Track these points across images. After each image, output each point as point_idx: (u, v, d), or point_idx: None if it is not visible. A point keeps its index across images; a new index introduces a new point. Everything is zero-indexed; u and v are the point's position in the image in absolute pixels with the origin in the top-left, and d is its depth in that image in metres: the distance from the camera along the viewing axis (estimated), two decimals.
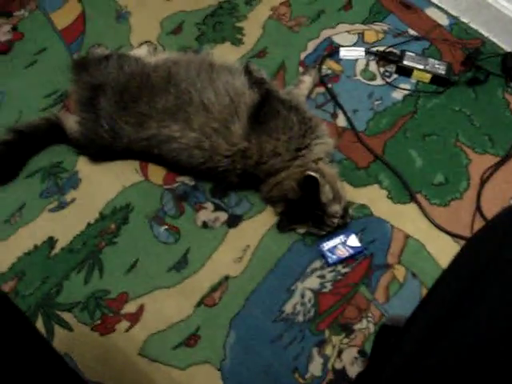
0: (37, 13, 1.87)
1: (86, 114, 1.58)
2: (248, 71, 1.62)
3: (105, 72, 1.58)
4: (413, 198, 1.60)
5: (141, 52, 1.73)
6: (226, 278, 1.50)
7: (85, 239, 1.54)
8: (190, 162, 1.52)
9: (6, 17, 1.86)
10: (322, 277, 1.50)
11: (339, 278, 1.50)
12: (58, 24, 1.86)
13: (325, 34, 1.87)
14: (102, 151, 1.60)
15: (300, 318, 1.45)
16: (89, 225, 1.56)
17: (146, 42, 1.80)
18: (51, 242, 1.53)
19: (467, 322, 0.75)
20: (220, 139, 1.49)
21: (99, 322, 1.44)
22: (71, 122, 1.62)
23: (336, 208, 1.48)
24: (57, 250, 1.52)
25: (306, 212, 1.49)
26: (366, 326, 1.44)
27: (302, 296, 1.48)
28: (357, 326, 1.44)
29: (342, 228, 1.53)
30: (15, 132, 1.60)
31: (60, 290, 1.47)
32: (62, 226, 1.55)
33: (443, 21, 1.90)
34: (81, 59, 1.72)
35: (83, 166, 1.63)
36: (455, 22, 1.89)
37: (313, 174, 1.44)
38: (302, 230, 1.54)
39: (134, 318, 1.45)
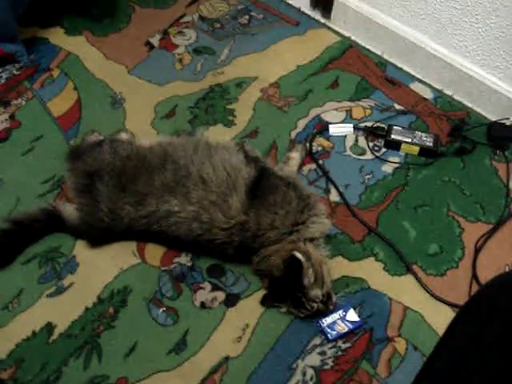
0: (34, 101, 1.93)
1: (84, 199, 1.61)
2: (243, 150, 1.67)
3: (99, 158, 1.62)
4: (409, 270, 1.61)
5: (122, 137, 1.77)
6: (226, 358, 1.48)
7: (83, 324, 1.53)
8: (189, 235, 1.54)
9: (3, 106, 1.92)
10: (322, 353, 1.49)
11: (340, 353, 1.49)
12: (55, 112, 1.91)
13: (314, 112, 1.93)
14: (101, 235, 1.62)
15: None
16: (87, 309, 1.55)
17: (122, 130, 1.84)
18: (50, 327, 1.52)
19: None
20: (218, 212, 1.52)
21: None
22: (69, 210, 1.64)
23: (317, 292, 1.48)
24: (55, 335, 1.51)
25: (288, 291, 1.50)
26: None
27: (304, 374, 1.47)
28: None
29: (322, 314, 1.52)
30: (12, 222, 1.62)
31: (59, 377, 1.46)
32: (61, 311, 1.55)
33: (428, 94, 1.96)
34: (74, 148, 1.76)
35: (80, 251, 1.64)
36: (439, 95, 1.96)
37: (298, 255, 1.45)
38: (283, 309, 1.54)
39: None
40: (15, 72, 2.00)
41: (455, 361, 0.81)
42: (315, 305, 1.48)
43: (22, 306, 1.56)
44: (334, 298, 1.53)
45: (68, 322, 1.53)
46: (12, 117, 1.90)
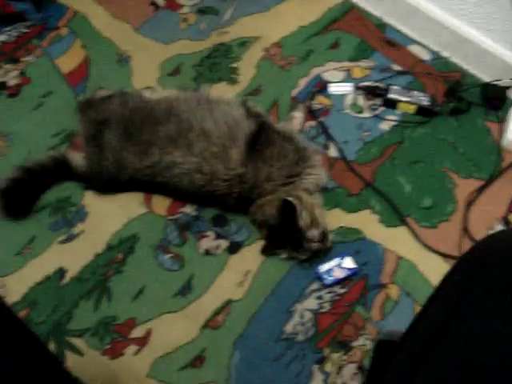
0: (43, 58, 1.98)
1: (92, 148, 1.68)
2: (245, 107, 1.73)
3: (109, 108, 1.69)
4: (403, 221, 1.69)
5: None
6: (229, 301, 1.57)
7: (93, 269, 1.62)
8: (191, 186, 1.62)
9: (13, 62, 1.97)
10: (319, 298, 1.58)
11: (336, 298, 1.58)
12: (63, 68, 1.97)
13: (314, 71, 1.98)
14: (107, 184, 1.69)
15: (300, 338, 1.52)
16: (97, 255, 1.63)
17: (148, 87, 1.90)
18: (61, 272, 1.61)
19: (446, 349, 0.80)
20: (219, 164, 1.59)
21: (109, 346, 1.51)
22: (77, 159, 1.71)
23: (313, 233, 1.56)
24: (67, 279, 1.60)
25: (286, 236, 1.58)
26: (363, 343, 1.52)
27: (302, 316, 1.55)
28: (355, 343, 1.52)
29: (322, 254, 1.60)
30: (24, 170, 1.69)
31: (70, 318, 1.54)
32: (72, 257, 1.63)
33: (425, 56, 2.02)
34: (85, 99, 1.82)
35: (90, 201, 1.72)
36: (436, 56, 2.01)
37: (290, 199, 1.53)
38: (284, 255, 1.61)
39: (142, 341, 1.52)
40: (24, 30, 2.05)
41: (444, 313, 0.86)
42: (314, 244, 1.56)
43: (35, 252, 1.64)
44: (331, 237, 1.61)
45: (79, 267, 1.62)
46: (22, 73, 1.96)
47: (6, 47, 2.01)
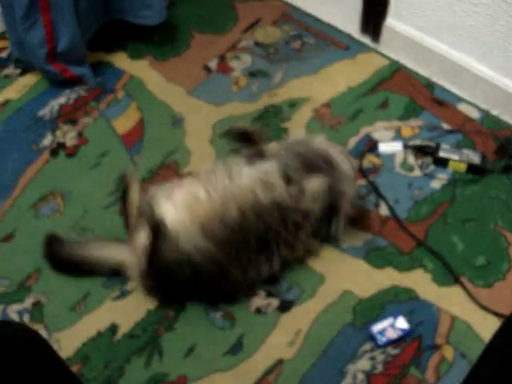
0: (100, 120, 2.07)
1: None
2: None
3: None
4: (457, 280, 1.66)
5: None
6: (280, 361, 1.56)
7: (145, 325, 1.63)
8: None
9: (72, 124, 2.06)
10: (372, 358, 1.55)
11: (389, 359, 1.55)
12: (119, 129, 2.04)
13: (364, 131, 2.01)
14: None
15: None
16: (148, 312, 1.65)
17: None
18: (114, 328, 1.62)
19: None
20: None
21: None
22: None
23: None
24: (119, 336, 1.61)
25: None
26: None
27: (354, 378, 1.52)
28: None
29: None
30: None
31: (122, 374, 1.55)
32: (124, 313, 1.65)
33: (474, 114, 2.02)
34: None
35: None
36: (486, 114, 2.02)
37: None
38: None
39: None
40: (83, 93, 2.15)
41: (499, 366, 0.85)
42: None
43: (88, 308, 1.66)
44: None
45: (131, 324, 1.63)
46: (80, 134, 2.04)
47: (65, 109, 2.10)
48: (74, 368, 1.55)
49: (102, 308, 1.66)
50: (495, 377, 0.85)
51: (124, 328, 1.63)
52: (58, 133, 2.04)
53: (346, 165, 1.69)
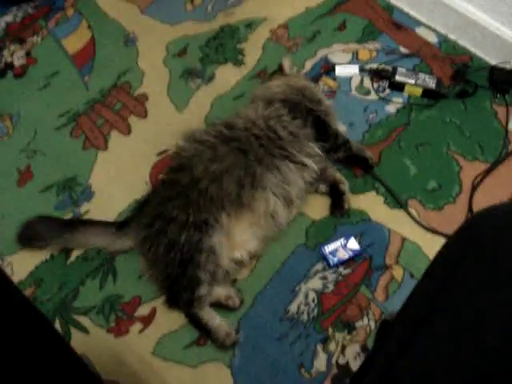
0: (49, 39, 1.99)
1: None
2: None
3: None
4: (402, 206, 1.69)
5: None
6: (234, 280, 1.58)
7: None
8: None
9: (19, 43, 1.98)
10: (324, 278, 1.59)
11: (340, 279, 1.58)
12: (69, 49, 1.97)
13: (321, 53, 1.98)
14: None
15: (304, 317, 1.53)
16: None
17: None
18: (67, 250, 1.62)
19: (434, 329, 0.80)
20: None
21: (114, 324, 1.52)
22: None
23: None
24: (72, 258, 1.61)
25: None
26: (367, 324, 1.52)
27: (306, 296, 1.56)
28: (358, 324, 1.52)
29: None
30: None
31: (76, 296, 1.56)
32: None
33: (432, 39, 2.01)
34: None
35: (96, 180, 1.73)
36: (444, 39, 2.00)
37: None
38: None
39: (147, 320, 1.53)
40: (30, 11, 2.06)
41: (435, 289, 0.86)
42: None
43: None
44: None
45: None
46: (28, 54, 1.96)
47: (12, 27, 2.02)
48: (28, 291, 1.56)
49: None
50: (437, 289, 0.86)
51: (78, 250, 1.62)
52: (5, 52, 1.97)
53: None
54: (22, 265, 1.59)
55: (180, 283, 1.47)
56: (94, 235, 1.59)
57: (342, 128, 1.75)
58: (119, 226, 1.58)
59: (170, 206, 1.48)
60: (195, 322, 1.49)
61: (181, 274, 1.46)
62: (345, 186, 1.69)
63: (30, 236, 1.60)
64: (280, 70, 1.82)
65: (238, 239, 1.53)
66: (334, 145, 1.67)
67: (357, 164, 1.73)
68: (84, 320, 1.53)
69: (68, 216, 1.67)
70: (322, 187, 1.69)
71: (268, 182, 1.53)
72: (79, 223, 1.62)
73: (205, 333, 1.48)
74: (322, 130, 1.66)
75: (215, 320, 1.49)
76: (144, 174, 1.74)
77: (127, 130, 1.82)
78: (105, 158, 1.78)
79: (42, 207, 1.68)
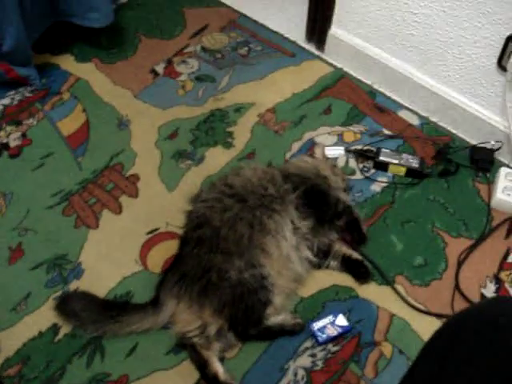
0: (44, 121, 2.06)
1: None
2: None
3: None
4: (389, 284, 1.71)
5: None
6: (222, 359, 1.57)
7: None
8: None
9: (16, 125, 2.04)
10: (313, 355, 1.58)
11: (330, 356, 1.58)
12: (64, 131, 2.03)
13: (307, 135, 2.05)
14: None
15: None
16: None
17: None
18: (55, 328, 1.61)
19: None
20: None
21: None
22: None
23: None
24: (60, 335, 1.60)
25: None
26: None
27: (295, 374, 1.55)
28: None
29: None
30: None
31: (63, 374, 1.53)
32: None
33: (414, 121, 2.09)
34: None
35: (86, 258, 1.74)
36: (425, 121, 2.09)
37: None
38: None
39: None
40: (27, 94, 2.14)
41: (436, 364, 0.90)
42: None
43: (29, 308, 1.64)
44: None
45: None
46: (23, 135, 2.02)
47: (9, 110, 2.09)
48: (15, 368, 1.54)
49: (43, 308, 1.65)
50: (432, 374, 0.90)
51: (65, 328, 1.61)
52: (1, 133, 2.03)
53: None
54: (9, 342, 1.58)
55: (250, 312, 1.56)
56: (136, 322, 1.59)
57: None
58: (153, 303, 1.61)
59: (214, 257, 1.58)
60: (266, 335, 1.60)
61: (252, 304, 1.55)
62: (357, 255, 1.73)
63: (68, 313, 1.62)
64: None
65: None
66: (335, 211, 1.72)
67: (352, 235, 1.77)
68: None
69: (58, 294, 1.67)
70: (334, 263, 1.73)
71: (271, 227, 1.62)
72: (120, 311, 1.60)
73: (277, 335, 1.60)
74: (317, 198, 1.72)
75: (278, 317, 1.60)
76: (134, 252, 1.76)
77: (118, 209, 1.86)
78: (96, 236, 1.80)
79: (31, 285, 1.68)
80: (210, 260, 1.58)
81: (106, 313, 1.60)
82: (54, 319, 1.62)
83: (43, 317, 1.63)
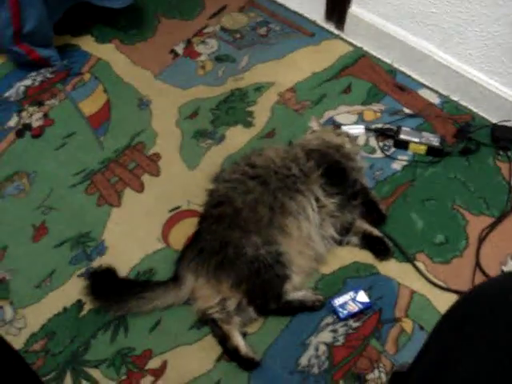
0: (66, 102, 2.08)
1: None
2: None
3: None
4: (409, 261, 1.71)
5: None
6: (245, 334, 1.58)
7: None
8: None
9: (38, 105, 2.06)
10: (334, 331, 1.59)
11: (351, 331, 1.59)
12: (86, 111, 2.05)
13: (328, 114, 2.05)
14: None
15: (315, 370, 1.53)
16: None
17: None
18: (80, 304, 1.64)
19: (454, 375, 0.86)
20: None
21: (125, 377, 1.52)
22: None
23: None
24: (85, 311, 1.63)
25: None
26: (378, 376, 1.52)
27: (317, 349, 1.56)
28: (369, 376, 1.52)
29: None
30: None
31: (88, 348, 1.56)
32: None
33: (435, 100, 2.08)
34: None
35: (109, 236, 1.77)
36: (446, 100, 2.08)
37: None
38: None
39: (158, 373, 1.53)
40: (49, 75, 2.15)
41: (451, 338, 0.92)
42: None
43: (54, 285, 1.68)
44: None
45: None
46: (46, 115, 2.04)
47: (31, 91, 2.11)
48: (40, 343, 1.57)
49: (68, 284, 1.68)
50: (446, 347, 0.92)
51: (90, 304, 1.64)
52: (24, 114, 2.05)
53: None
54: (35, 318, 1.61)
55: (267, 286, 1.57)
56: (159, 298, 1.61)
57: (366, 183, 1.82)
58: (174, 279, 1.63)
59: (232, 233, 1.59)
60: (286, 310, 1.61)
61: (268, 278, 1.57)
62: (378, 232, 1.74)
63: (93, 294, 1.62)
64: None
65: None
66: (352, 191, 1.72)
67: (371, 215, 1.77)
68: (95, 373, 1.53)
69: (82, 271, 1.69)
70: (354, 239, 1.74)
71: (292, 209, 1.63)
72: (142, 289, 1.62)
73: (298, 311, 1.62)
74: (338, 176, 1.72)
75: (299, 293, 1.62)
76: (156, 230, 1.78)
77: (140, 188, 1.88)
78: (118, 214, 1.82)
79: (56, 262, 1.71)
80: (227, 236, 1.60)
81: (130, 291, 1.62)
82: (78, 295, 1.65)
83: (68, 293, 1.66)
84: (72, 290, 1.66)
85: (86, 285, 1.63)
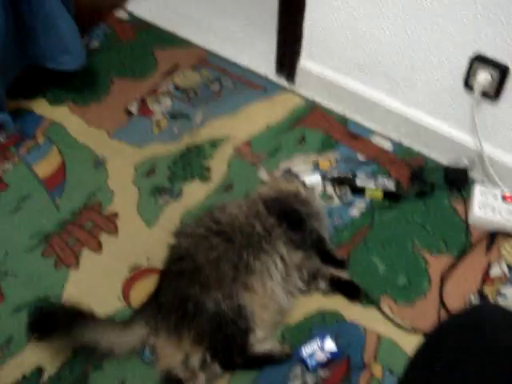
0: (20, 165, 2.05)
1: None
2: None
3: None
4: (374, 304, 1.72)
5: None
6: None
7: (72, 366, 1.58)
8: None
9: None
10: (304, 383, 1.56)
11: (321, 382, 1.56)
12: (40, 174, 2.02)
13: (283, 165, 2.07)
14: None
15: None
16: (75, 352, 1.61)
17: None
18: (39, 371, 1.57)
19: None
20: None
21: None
22: None
23: None
24: (45, 378, 1.56)
25: None
26: None
27: None
28: None
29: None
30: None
31: None
32: (49, 355, 1.60)
33: (387, 145, 2.13)
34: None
35: (68, 298, 1.72)
36: (398, 145, 2.13)
37: None
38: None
39: None
40: (2, 140, 2.13)
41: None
42: None
43: (12, 352, 1.61)
44: None
45: (57, 365, 1.58)
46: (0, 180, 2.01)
47: None
48: None
49: (26, 351, 1.61)
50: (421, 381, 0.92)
51: (50, 370, 1.58)
52: None
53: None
54: None
55: (230, 341, 1.55)
56: (103, 332, 1.58)
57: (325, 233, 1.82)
58: (125, 322, 1.62)
59: (192, 289, 1.57)
60: (253, 364, 1.59)
61: (231, 333, 1.55)
62: (345, 274, 1.75)
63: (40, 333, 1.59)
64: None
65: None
66: (309, 240, 1.72)
67: (330, 264, 1.77)
68: None
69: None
70: (322, 285, 1.73)
71: (257, 268, 1.62)
72: (87, 318, 1.60)
73: (264, 364, 1.59)
74: (299, 227, 1.72)
75: (265, 346, 1.60)
76: (117, 290, 1.74)
77: (98, 248, 1.84)
78: (77, 275, 1.78)
79: (12, 328, 1.65)
80: (187, 291, 1.57)
81: (76, 320, 1.58)
82: (37, 361, 1.59)
83: (26, 360, 1.59)
84: (31, 357, 1.60)
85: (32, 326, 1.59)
